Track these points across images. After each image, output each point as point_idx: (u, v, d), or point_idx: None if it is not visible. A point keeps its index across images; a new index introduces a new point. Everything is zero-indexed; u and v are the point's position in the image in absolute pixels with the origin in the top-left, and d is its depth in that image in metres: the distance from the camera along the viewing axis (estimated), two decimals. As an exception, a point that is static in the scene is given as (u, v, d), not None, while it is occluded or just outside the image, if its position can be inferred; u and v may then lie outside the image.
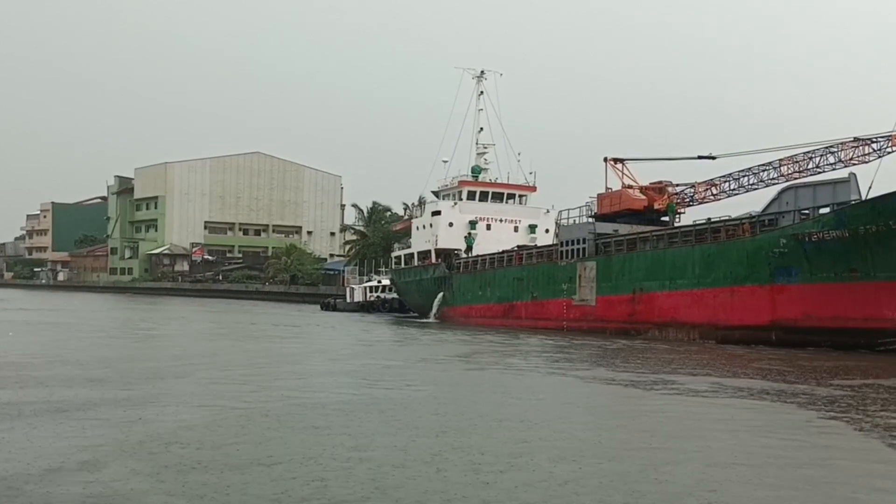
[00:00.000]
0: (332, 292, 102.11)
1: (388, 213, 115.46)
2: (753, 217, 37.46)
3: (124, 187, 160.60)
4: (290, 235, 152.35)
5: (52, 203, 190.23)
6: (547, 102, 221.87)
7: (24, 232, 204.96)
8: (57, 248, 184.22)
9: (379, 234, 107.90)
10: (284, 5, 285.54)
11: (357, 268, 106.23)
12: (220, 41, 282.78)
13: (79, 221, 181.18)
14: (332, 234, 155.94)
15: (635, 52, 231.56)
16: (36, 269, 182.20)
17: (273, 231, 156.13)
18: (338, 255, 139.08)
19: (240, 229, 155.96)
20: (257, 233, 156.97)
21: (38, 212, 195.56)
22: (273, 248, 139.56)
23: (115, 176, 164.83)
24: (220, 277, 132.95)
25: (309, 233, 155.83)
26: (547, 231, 62.73)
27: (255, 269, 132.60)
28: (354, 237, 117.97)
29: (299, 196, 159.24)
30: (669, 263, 40.51)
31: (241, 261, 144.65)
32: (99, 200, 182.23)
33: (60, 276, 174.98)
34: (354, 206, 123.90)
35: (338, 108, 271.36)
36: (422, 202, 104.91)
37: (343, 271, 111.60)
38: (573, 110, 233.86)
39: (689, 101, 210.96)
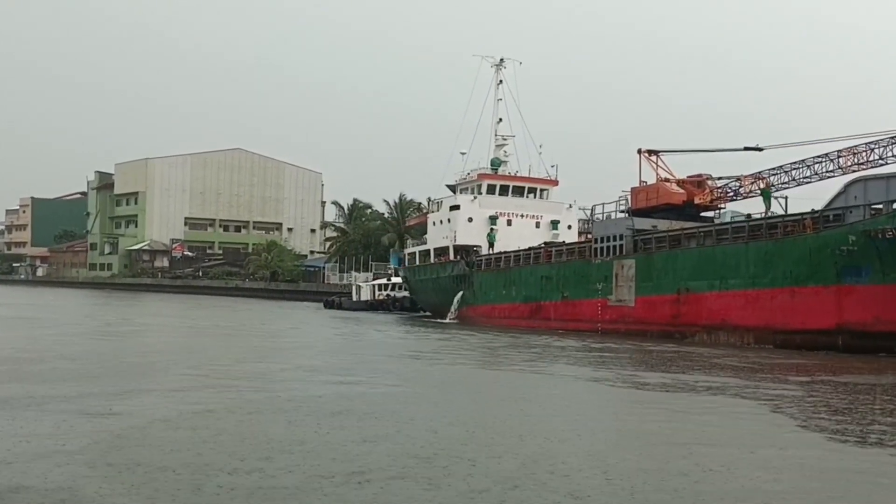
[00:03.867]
0: (312, 289, 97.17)
1: (369, 210, 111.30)
2: (816, 212, 32.06)
3: (104, 183, 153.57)
4: (271, 232, 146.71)
5: (32, 198, 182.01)
6: (550, 104, 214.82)
7: (3, 227, 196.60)
8: (36, 244, 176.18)
9: (359, 231, 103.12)
10: (265, 3, 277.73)
11: (337, 265, 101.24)
12: (201, 38, 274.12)
13: (58, 217, 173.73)
14: (313, 230, 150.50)
15: (645, 63, 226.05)
16: (14, 265, 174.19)
17: (253, 228, 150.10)
18: (318, 252, 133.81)
19: (220, 226, 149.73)
20: (238, 229, 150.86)
21: (18, 207, 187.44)
22: (253, 244, 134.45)
23: (96, 171, 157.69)
24: (200, 274, 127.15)
25: (289, 229, 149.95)
26: (569, 227, 56.95)
27: (236, 265, 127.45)
28: (335, 234, 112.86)
29: (280, 193, 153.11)
30: (720, 261, 35.20)
31: (221, 257, 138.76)
32: (79, 196, 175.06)
33: (39, 272, 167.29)
34: (335, 203, 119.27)
35: (319, 105, 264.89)
36: (402, 199, 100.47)
37: (323, 268, 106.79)
38: (578, 112, 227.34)
39: (693, 108, 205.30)
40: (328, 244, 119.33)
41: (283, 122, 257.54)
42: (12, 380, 17.51)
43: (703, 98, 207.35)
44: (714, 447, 11.94)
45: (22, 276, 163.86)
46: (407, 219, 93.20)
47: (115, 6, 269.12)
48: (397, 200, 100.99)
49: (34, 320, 43.71)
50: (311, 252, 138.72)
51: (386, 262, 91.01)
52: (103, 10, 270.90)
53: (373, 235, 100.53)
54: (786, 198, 38.08)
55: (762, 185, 36.45)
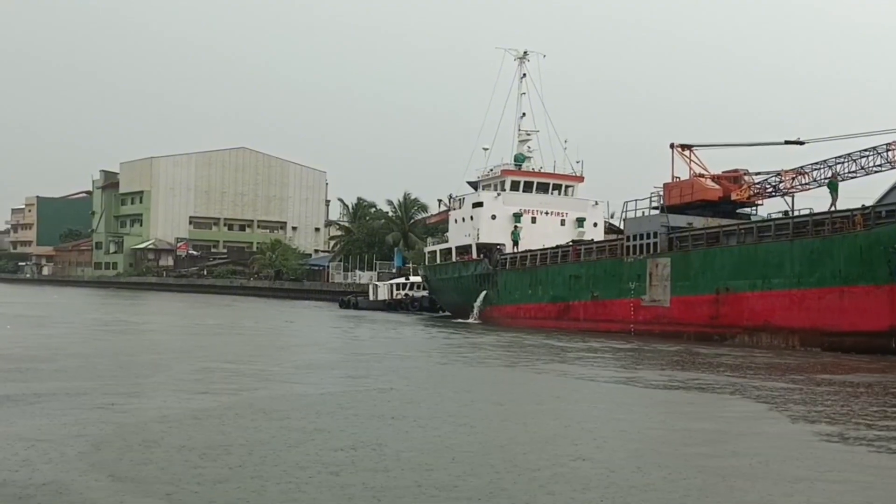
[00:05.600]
0: (316, 287, 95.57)
1: (373, 209, 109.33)
2: (867, 208, 29.78)
3: (109, 182, 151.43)
4: (275, 231, 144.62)
5: (38, 197, 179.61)
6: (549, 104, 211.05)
7: (9, 226, 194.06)
8: (41, 243, 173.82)
9: (364, 230, 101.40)
10: (270, 3, 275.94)
11: (342, 263, 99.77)
12: (207, 37, 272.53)
13: (64, 216, 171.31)
14: (317, 229, 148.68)
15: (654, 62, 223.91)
16: (20, 264, 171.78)
17: (258, 226, 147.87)
18: (322, 251, 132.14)
19: (225, 224, 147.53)
20: (242, 228, 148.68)
21: (23, 206, 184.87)
22: (258, 243, 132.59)
23: (101, 170, 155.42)
24: (205, 272, 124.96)
25: (294, 228, 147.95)
26: (595, 225, 54.20)
27: (240, 264, 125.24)
28: (339, 233, 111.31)
29: (284, 191, 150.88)
30: (762, 260, 32.80)
31: (225, 256, 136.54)
32: (84, 195, 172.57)
33: (45, 271, 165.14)
34: (340, 200, 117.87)
35: (322, 104, 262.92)
36: (407, 198, 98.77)
37: (327, 267, 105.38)
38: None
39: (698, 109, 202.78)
40: (332, 243, 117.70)
41: (287, 121, 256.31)
42: (18, 378, 17.15)
43: (702, 96, 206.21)
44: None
45: (27, 275, 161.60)
46: (425, 218, 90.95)
47: (119, 6, 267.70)
48: (401, 199, 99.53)
49: (41, 318, 42.55)
50: (316, 251, 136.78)
51: (390, 260, 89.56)
52: (108, 9, 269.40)
53: (377, 234, 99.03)
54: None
55: (833, 178, 33.24)
